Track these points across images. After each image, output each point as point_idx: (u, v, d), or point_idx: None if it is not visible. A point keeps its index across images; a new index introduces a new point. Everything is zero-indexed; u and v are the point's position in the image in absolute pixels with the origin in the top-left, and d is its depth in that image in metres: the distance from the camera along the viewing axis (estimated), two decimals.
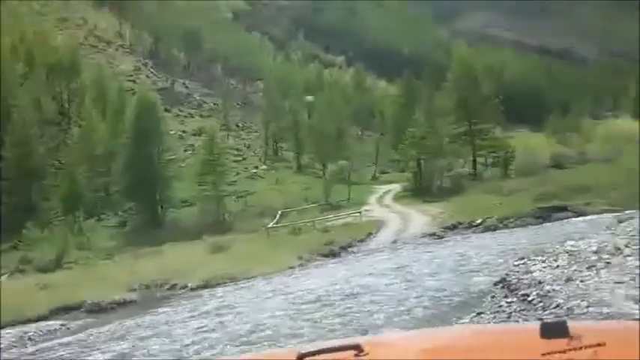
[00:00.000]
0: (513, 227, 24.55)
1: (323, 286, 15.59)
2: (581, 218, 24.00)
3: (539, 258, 8.96)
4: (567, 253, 8.45)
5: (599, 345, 1.20)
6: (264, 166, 52.80)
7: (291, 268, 20.15)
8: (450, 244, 21.32)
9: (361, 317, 11.19)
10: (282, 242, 24.94)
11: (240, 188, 42.24)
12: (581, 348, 1.21)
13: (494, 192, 32.94)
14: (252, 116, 67.07)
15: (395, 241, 23.83)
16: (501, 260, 14.25)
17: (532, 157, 43.32)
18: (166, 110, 52.27)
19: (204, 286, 19.07)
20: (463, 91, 44.67)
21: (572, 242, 9.11)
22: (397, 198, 38.34)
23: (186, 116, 62.94)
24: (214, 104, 69.08)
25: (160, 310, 16.35)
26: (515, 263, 9.69)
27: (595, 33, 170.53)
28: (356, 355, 1.31)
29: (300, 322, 11.67)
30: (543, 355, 1.20)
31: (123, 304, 18.12)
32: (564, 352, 1.21)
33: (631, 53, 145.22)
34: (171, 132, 48.55)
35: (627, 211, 14.05)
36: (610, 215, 19.80)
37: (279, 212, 33.26)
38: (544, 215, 25.68)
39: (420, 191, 36.91)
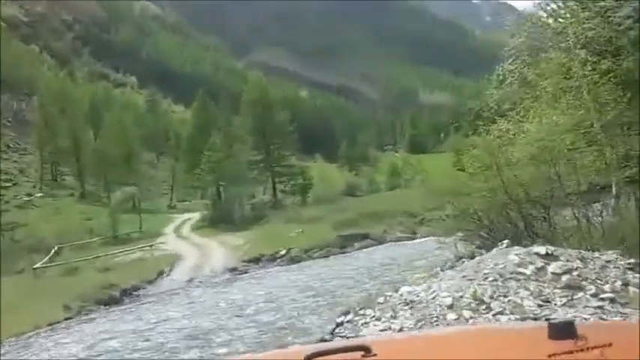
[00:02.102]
0: (318, 257, 23.53)
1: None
2: (402, 243, 24.02)
3: (370, 313, 7.04)
4: (408, 305, 6.67)
5: (605, 345, 1.19)
6: (39, 194, 46.57)
7: (52, 324, 15.47)
8: (254, 282, 19.12)
9: None
10: (50, 286, 20.24)
11: (7, 219, 35.70)
12: (588, 349, 1.19)
13: (295, 220, 32.67)
14: (28, 136, 58.31)
15: (191, 280, 20.93)
16: (318, 307, 12.45)
17: (328, 184, 44.49)
18: None
19: None
20: (258, 117, 44.12)
21: (407, 289, 7.43)
22: (196, 228, 35.52)
23: None
24: None
25: None
26: (339, 320, 7.61)
27: (376, 75, 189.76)
28: (363, 356, 1.27)
29: None
30: (550, 356, 1.17)
31: None
32: (571, 352, 1.19)
33: (407, 95, 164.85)
34: None
35: (449, 240, 13.01)
36: (413, 242, 19.89)
37: (55, 248, 27.97)
38: (347, 244, 25.31)
39: (221, 220, 34.65)
